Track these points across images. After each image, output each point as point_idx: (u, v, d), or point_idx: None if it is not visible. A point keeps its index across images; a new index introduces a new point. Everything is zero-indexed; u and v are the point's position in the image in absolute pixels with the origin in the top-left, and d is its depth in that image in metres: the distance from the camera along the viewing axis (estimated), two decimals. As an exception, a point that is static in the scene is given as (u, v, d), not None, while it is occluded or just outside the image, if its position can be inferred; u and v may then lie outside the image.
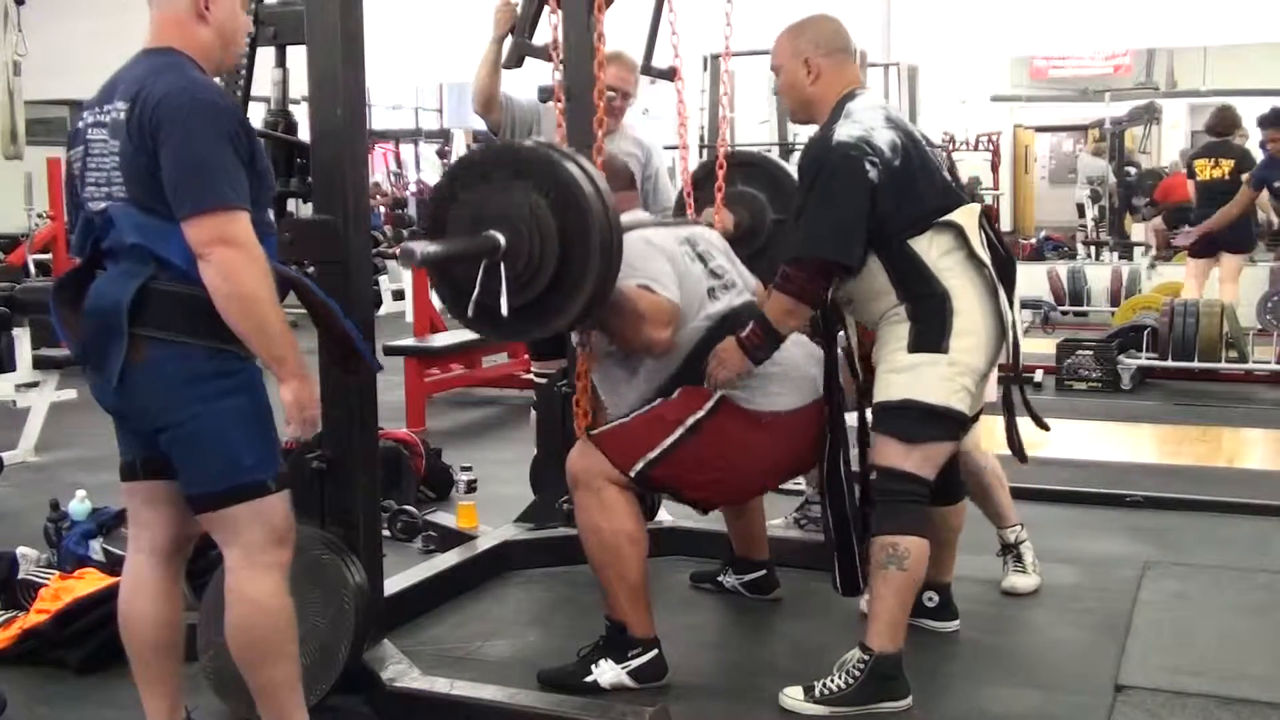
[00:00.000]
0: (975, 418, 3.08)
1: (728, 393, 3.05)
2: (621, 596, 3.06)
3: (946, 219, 2.94)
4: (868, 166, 2.85)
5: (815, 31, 3.05)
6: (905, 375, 2.92)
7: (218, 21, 2.46)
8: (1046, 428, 3.24)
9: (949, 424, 2.95)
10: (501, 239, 2.66)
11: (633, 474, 3.03)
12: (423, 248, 2.63)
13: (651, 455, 3.03)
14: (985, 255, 2.96)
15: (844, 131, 2.90)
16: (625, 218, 3.06)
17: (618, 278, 2.82)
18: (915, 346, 2.91)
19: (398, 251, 2.60)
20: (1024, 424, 3.18)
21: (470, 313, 2.73)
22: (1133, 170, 14.20)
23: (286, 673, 2.49)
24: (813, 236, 2.91)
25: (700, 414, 3.05)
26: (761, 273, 3.44)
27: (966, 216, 2.97)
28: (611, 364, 3.20)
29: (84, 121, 2.43)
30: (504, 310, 2.67)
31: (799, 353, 3.18)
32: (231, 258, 2.27)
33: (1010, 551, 3.81)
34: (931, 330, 2.91)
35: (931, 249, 2.92)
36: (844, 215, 2.87)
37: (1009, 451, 3.21)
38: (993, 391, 3.17)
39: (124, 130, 2.32)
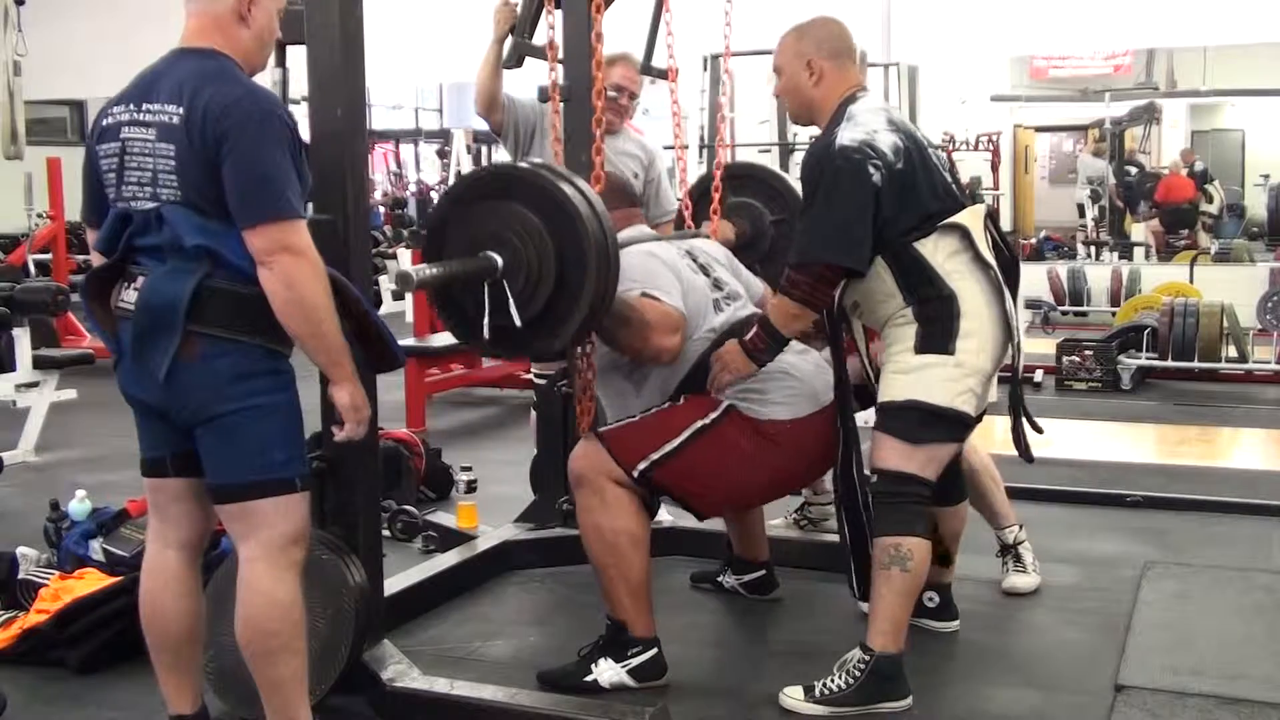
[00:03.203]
0: (981, 416, 3.08)
1: (735, 401, 3.07)
2: (623, 596, 3.06)
3: (952, 221, 2.94)
4: (871, 169, 2.85)
5: (819, 34, 3.05)
6: (910, 376, 2.92)
7: (258, 24, 2.49)
8: (1040, 430, 3.24)
9: (954, 426, 2.95)
10: (499, 259, 2.70)
11: (636, 473, 3.04)
12: (419, 271, 2.66)
13: (656, 456, 3.04)
14: (990, 257, 2.96)
15: (846, 135, 2.89)
16: (627, 233, 3.11)
17: (621, 290, 2.85)
18: (921, 348, 2.91)
19: (394, 277, 2.61)
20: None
21: (482, 334, 2.75)
22: (1133, 170, 14.21)
23: (295, 669, 2.52)
24: (817, 240, 2.90)
25: (707, 420, 3.06)
26: (772, 277, 3.47)
27: (972, 218, 2.97)
28: (617, 377, 3.22)
29: (113, 118, 2.44)
30: (517, 321, 2.70)
31: (806, 364, 3.20)
32: (294, 265, 2.33)
33: (1009, 552, 3.80)
34: (937, 332, 2.91)
35: (937, 251, 2.92)
36: (848, 218, 2.87)
37: (1011, 451, 3.21)
38: (994, 392, 3.17)
39: (181, 134, 2.34)
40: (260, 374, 2.43)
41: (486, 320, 2.72)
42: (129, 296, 2.42)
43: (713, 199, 3.90)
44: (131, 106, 2.41)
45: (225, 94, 2.34)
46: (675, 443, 3.05)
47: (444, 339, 7.36)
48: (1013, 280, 3.02)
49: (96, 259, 2.51)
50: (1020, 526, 3.81)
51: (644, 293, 3.01)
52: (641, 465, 3.03)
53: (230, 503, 2.46)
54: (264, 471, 2.44)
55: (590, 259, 2.70)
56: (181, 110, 2.34)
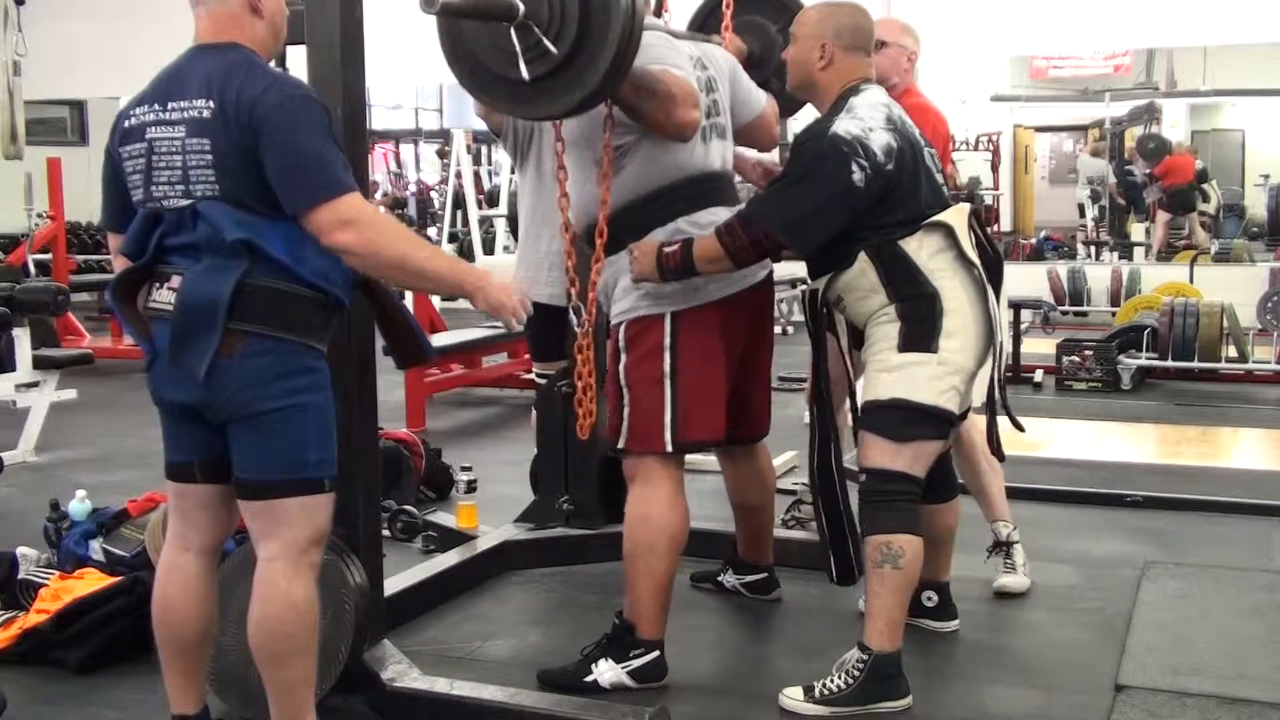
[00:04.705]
0: (965, 414, 3.08)
1: (671, 308, 3.06)
2: (643, 590, 3.06)
3: (936, 219, 2.95)
4: (854, 167, 2.86)
5: (842, 21, 3.04)
6: (894, 375, 2.93)
7: (269, 13, 2.51)
8: (1022, 428, 3.25)
9: (938, 423, 2.96)
10: (520, 4, 2.66)
11: (671, 447, 3.06)
12: None
13: (667, 418, 3.05)
14: (974, 255, 2.97)
15: (842, 126, 2.90)
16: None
17: (645, 64, 2.82)
18: (905, 346, 2.92)
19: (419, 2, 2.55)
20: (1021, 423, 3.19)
21: (521, 78, 2.70)
22: (1134, 169, 14.23)
23: (306, 671, 2.52)
24: (774, 211, 2.94)
25: (668, 355, 3.06)
26: (783, 90, 3.49)
27: (956, 217, 2.98)
28: (588, 160, 3.11)
29: (136, 119, 2.43)
30: (552, 49, 2.65)
31: None
32: (353, 237, 2.34)
33: (1000, 550, 3.79)
34: (921, 330, 2.92)
35: (921, 249, 2.93)
36: (812, 206, 2.90)
37: (1014, 451, 3.21)
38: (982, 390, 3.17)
39: (216, 128, 2.34)
40: (300, 372, 2.42)
41: (523, 64, 2.66)
42: (164, 296, 2.41)
43: (724, 15, 3.82)
44: (156, 106, 2.41)
45: (253, 86, 2.34)
46: (668, 394, 3.06)
47: (444, 339, 7.36)
48: (996, 279, 3.03)
49: (120, 263, 2.50)
50: (1015, 527, 3.80)
51: (665, 69, 2.96)
52: (667, 436, 3.06)
53: (258, 499, 2.45)
54: (296, 470, 2.43)
55: (615, 11, 2.65)
56: (213, 104, 2.34)
